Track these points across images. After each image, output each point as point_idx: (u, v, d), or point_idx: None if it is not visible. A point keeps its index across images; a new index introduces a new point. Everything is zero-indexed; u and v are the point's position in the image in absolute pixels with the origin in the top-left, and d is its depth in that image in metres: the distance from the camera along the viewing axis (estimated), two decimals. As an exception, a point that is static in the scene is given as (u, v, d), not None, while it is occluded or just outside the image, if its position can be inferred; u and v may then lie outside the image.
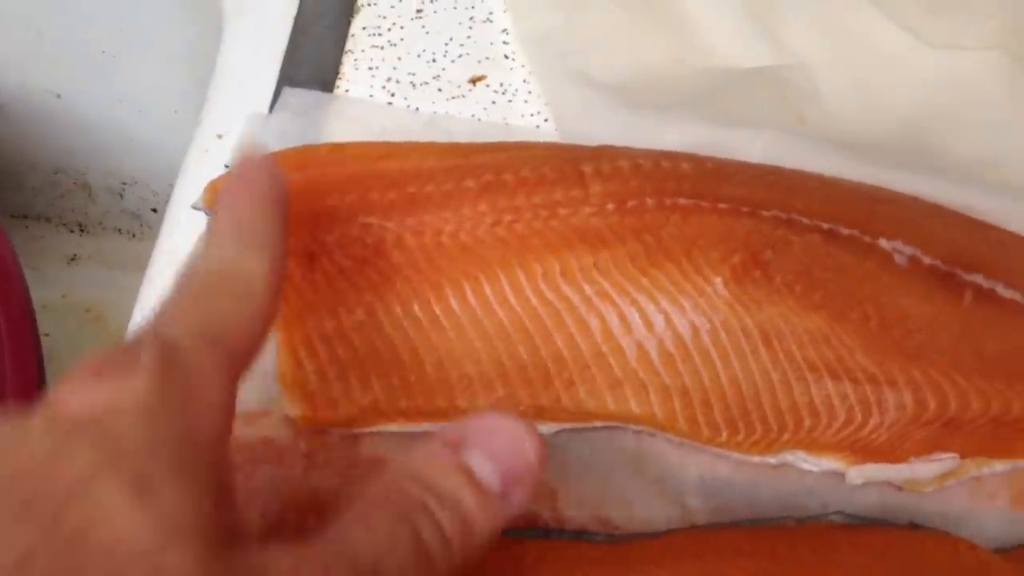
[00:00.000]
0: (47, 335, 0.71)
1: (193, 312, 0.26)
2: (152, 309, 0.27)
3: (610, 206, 0.32)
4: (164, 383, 0.23)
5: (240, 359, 0.26)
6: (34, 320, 0.56)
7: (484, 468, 0.24)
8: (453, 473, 0.24)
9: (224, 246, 0.27)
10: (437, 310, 0.32)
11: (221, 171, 0.40)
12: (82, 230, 0.74)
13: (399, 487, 0.24)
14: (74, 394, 0.23)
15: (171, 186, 0.42)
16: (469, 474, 0.24)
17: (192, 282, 0.27)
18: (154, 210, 0.70)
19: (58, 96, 0.63)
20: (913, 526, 0.31)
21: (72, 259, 0.74)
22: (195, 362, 0.24)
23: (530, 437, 0.25)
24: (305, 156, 0.36)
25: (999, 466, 0.32)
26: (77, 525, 0.21)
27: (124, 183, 0.69)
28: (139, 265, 0.42)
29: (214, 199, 0.35)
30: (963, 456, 0.31)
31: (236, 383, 0.25)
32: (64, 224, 0.74)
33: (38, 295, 0.70)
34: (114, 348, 0.24)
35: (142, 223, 0.72)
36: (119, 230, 0.73)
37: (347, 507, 0.24)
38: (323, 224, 0.33)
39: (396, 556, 0.23)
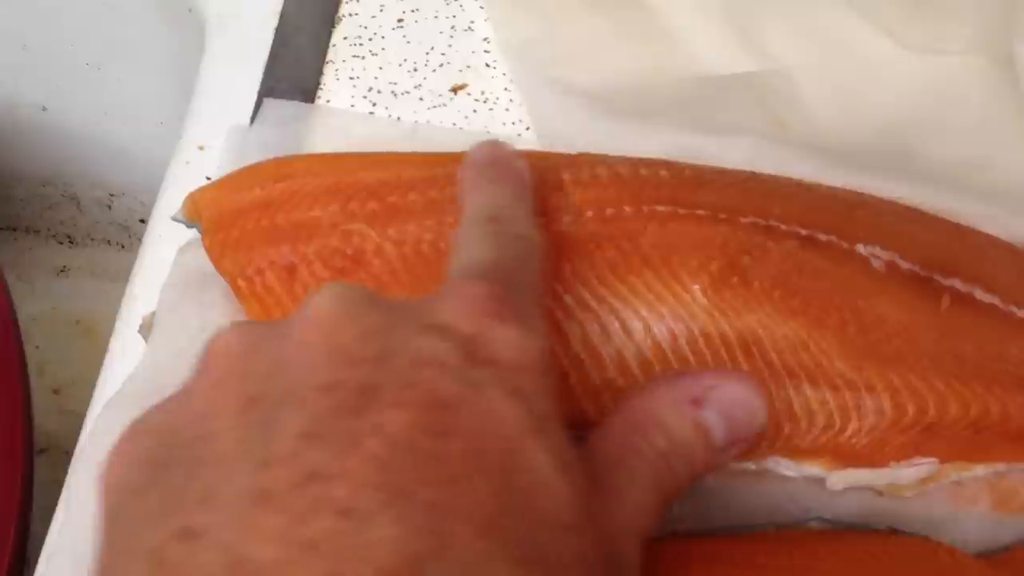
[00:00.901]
0: (37, 347, 0.71)
1: (523, 276, 0.27)
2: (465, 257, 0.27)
3: (589, 213, 0.32)
4: (548, 346, 0.25)
5: None
6: (18, 331, 0.56)
7: (718, 427, 0.27)
8: (693, 430, 0.26)
9: (523, 217, 0.30)
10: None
11: (203, 183, 0.40)
12: (71, 242, 0.74)
13: (647, 436, 0.26)
14: (482, 332, 0.23)
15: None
16: (706, 433, 0.27)
17: (513, 245, 0.28)
18: (142, 221, 0.70)
19: (44, 109, 0.63)
20: (893, 531, 0.31)
21: (62, 271, 0.74)
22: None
23: (762, 404, 0.27)
24: (284, 167, 0.36)
25: (979, 470, 0.32)
26: (522, 487, 0.21)
27: (112, 194, 0.69)
28: (128, 276, 0.42)
29: (194, 211, 0.35)
30: (943, 461, 0.31)
31: None
32: (53, 236, 0.74)
33: (28, 307, 0.70)
34: (501, 286, 0.25)
35: (131, 234, 0.72)
36: (108, 241, 0.73)
37: (599, 444, 0.26)
38: (303, 235, 0.33)
39: (648, 502, 0.25)
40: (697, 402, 0.27)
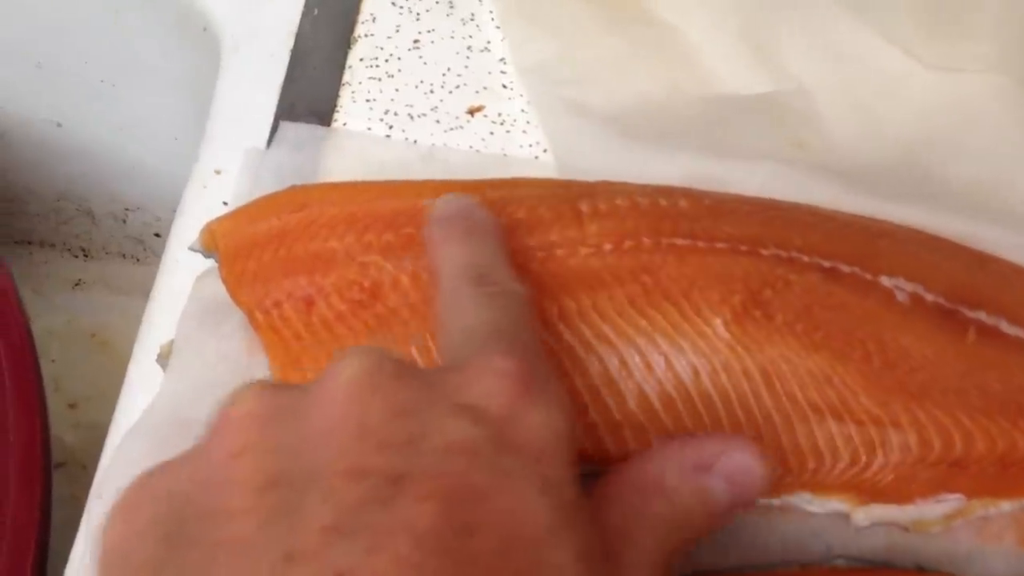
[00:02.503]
0: (53, 361, 0.71)
1: (528, 337, 0.27)
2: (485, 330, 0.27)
3: (607, 246, 0.32)
4: (572, 419, 0.25)
5: None
6: (34, 347, 0.56)
7: (721, 494, 0.27)
8: (697, 498, 0.27)
9: (506, 270, 0.30)
10: (435, 353, 0.32)
11: (220, 207, 0.40)
12: (86, 255, 0.74)
13: (651, 502, 0.26)
14: (513, 415, 0.23)
15: (174, 211, 0.42)
16: (708, 499, 0.27)
17: (509, 306, 0.28)
18: (157, 235, 0.70)
19: (59, 125, 0.63)
20: (919, 568, 0.31)
21: (76, 284, 0.74)
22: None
23: (764, 472, 0.27)
24: (300, 196, 0.36)
25: (1006, 506, 0.31)
26: None
27: (127, 208, 0.69)
28: (143, 290, 0.42)
29: (211, 241, 0.35)
30: (969, 496, 0.31)
31: None
32: (68, 249, 0.74)
33: (43, 321, 0.70)
34: (524, 360, 0.24)
35: (145, 248, 0.72)
36: (123, 255, 0.73)
37: (604, 508, 0.26)
38: (320, 267, 0.33)
39: (651, 572, 0.25)
40: (702, 468, 0.27)
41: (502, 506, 0.21)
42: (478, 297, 0.28)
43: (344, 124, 0.42)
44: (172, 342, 0.36)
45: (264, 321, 0.33)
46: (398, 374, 0.24)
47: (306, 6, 0.46)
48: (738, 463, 0.27)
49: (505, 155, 0.42)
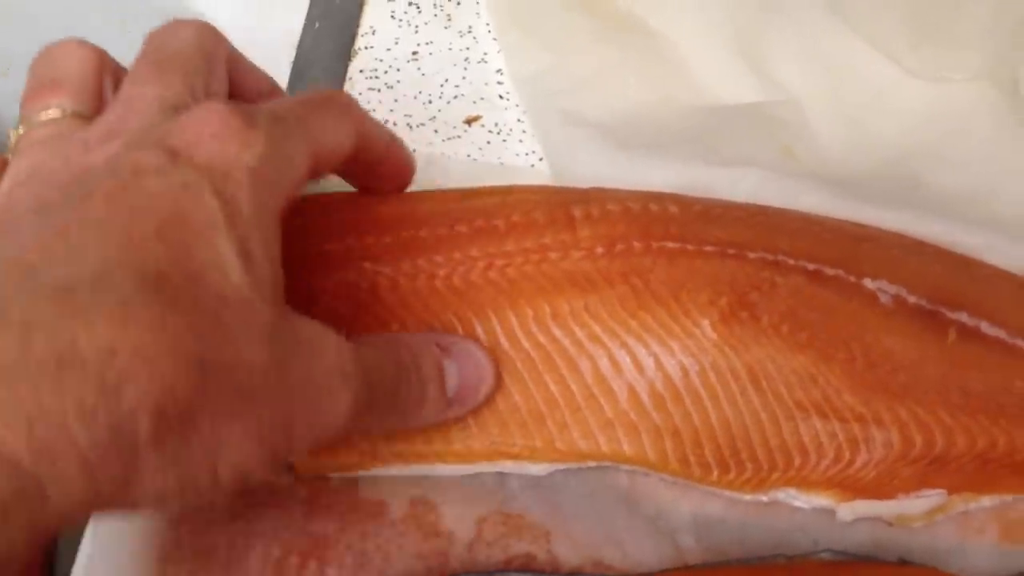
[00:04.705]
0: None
1: (300, 110, 0.30)
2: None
3: (599, 250, 0.33)
4: (273, 154, 0.27)
5: (324, 161, 0.31)
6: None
7: (452, 378, 0.31)
8: (435, 365, 0.31)
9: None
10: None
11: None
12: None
13: (396, 351, 0.30)
14: (199, 144, 0.26)
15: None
16: (442, 373, 0.31)
17: (304, 95, 0.32)
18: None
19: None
20: (902, 562, 0.31)
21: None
22: (295, 147, 0.29)
23: (491, 375, 0.32)
24: (302, 202, 0.36)
25: (986, 501, 0.32)
26: (200, 264, 0.25)
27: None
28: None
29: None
30: (951, 492, 0.32)
31: (315, 177, 0.31)
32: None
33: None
34: (231, 109, 0.27)
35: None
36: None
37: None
38: (320, 269, 0.34)
39: (388, 385, 0.29)
40: (444, 349, 0.31)
41: (170, 200, 0.25)
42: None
43: (344, 134, 0.43)
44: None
45: (265, 323, 0.34)
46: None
47: (308, 19, 0.47)
48: (470, 353, 0.32)
49: (502, 163, 0.43)
